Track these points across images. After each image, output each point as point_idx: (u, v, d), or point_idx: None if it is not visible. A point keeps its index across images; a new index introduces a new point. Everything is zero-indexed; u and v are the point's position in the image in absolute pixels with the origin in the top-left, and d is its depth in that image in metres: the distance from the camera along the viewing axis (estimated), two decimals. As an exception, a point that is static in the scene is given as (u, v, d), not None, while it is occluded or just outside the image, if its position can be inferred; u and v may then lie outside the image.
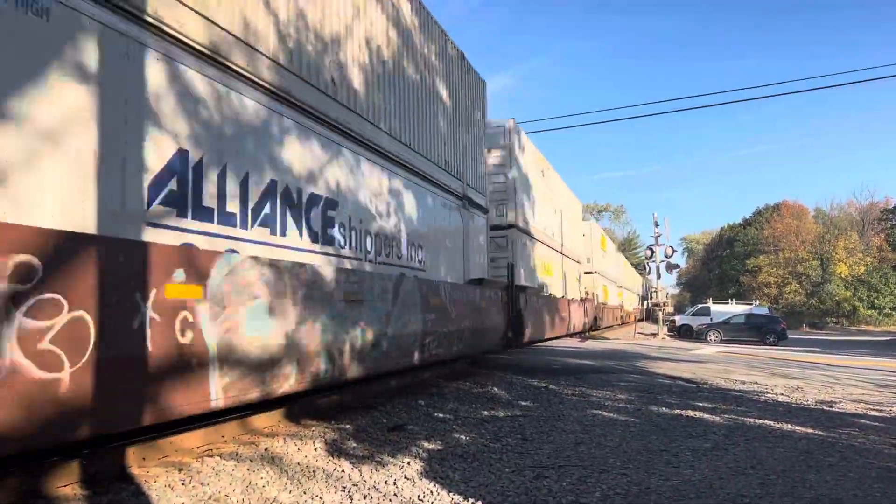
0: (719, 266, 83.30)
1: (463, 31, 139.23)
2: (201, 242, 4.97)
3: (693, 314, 37.71)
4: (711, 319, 33.62)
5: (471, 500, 4.42)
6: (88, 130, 4.09)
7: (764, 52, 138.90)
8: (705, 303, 40.89)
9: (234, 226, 5.40)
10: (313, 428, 6.58)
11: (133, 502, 4.12)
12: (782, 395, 10.04)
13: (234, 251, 5.29)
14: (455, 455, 5.71)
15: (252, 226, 5.63)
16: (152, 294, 4.40)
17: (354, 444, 6.00)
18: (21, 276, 3.56)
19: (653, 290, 37.76)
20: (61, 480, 4.28)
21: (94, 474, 4.48)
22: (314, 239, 6.59)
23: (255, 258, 5.51)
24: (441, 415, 7.70)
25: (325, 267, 6.63)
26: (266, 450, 5.57)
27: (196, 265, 4.80)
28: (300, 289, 6.07)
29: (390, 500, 4.41)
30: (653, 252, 34.45)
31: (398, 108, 8.81)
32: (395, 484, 4.79)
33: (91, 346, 3.93)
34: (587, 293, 29.07)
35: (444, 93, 10.95)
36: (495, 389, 9.95)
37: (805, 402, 9.24)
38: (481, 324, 11.82)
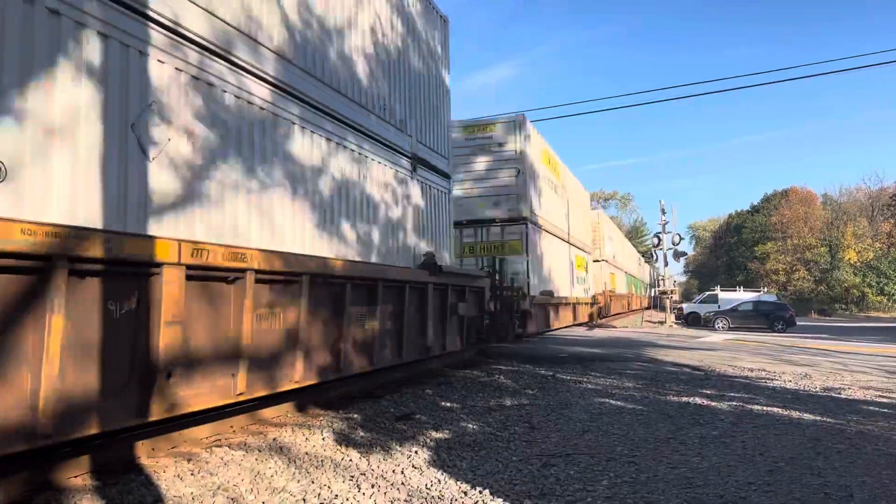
0: (727, 253, 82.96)
1: (467, 20, 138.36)
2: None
3: (700, 302, 37.61)
4: (719, 307, 33.53)
5: (478, 489, 4.43)
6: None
7: (775, 37, 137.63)
8: (713, 290, 40.77)
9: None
10: (321, 418, 6.61)
11: (142, 492, 4.15)
12: (790, 382, 10.01)
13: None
14: (462, 444, 5.72)
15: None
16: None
17: (362, 434, 6.02)
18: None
19: (660, 277, 37.66)
20: (72, 471, 4.31)
21: (104, 465, 4.51)
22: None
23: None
24: (448, 404, 7.71)
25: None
26: (274, 440, 5.60)
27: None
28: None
29: (398, 489, 4.43)
30: (660, 240, 34.34)
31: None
32: (402, 473, 4.81)
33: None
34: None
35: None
36: (502, 378, 9.97)
37: (813, 389, 9.22)
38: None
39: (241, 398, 5.45)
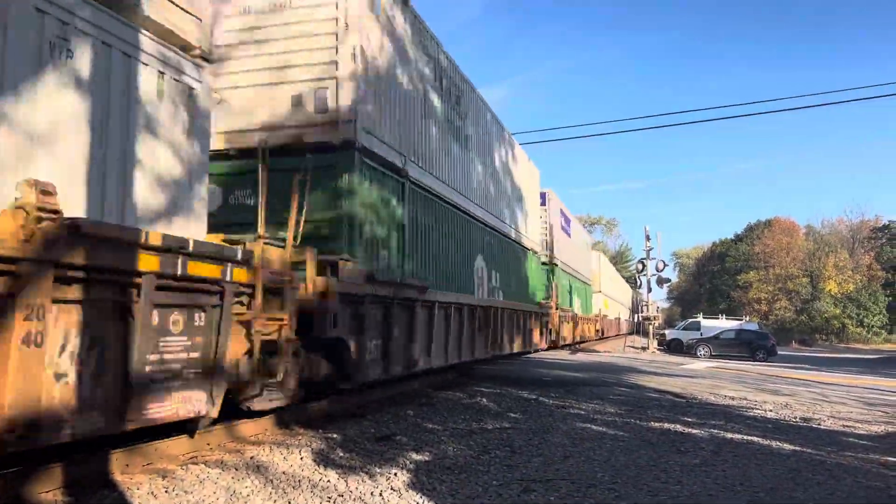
0: (710, 281, 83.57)
1: (461, 43, 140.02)
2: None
3: (683, 329, 37.80)
4: (701, 334, 33.71)
5: (457, 513, 4.38)
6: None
7: (761, 67, 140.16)
8: (695, 317, 41.03)
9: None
10: (300, 437, 6.53)
11: (115, 510, 4.07)
12: (771, 411, 10.05)
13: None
14: (443, 467, 5.67)
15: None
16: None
17: (342, 454, 5.95)
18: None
19: (643, 303, 37.84)
20: (43, 486, 4.21)
21: (77, 480, 4.42)
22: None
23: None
24: (430, 425, 7.66)
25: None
26: (252, 458, 5.52)
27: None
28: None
29: (376, 512, 4.37)
30: (644, 266, 34.59)
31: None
32: (381, 495, 4.75)
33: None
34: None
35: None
36: (485, 401, 9.92)
37: (793, 419, 9.25)
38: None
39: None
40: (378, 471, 5.41)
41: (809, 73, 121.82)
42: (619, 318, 52.44)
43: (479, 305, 12.09)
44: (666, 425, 8.27)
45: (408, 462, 5.78)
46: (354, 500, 4.61)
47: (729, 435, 7.72)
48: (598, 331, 35.32)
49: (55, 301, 3.67)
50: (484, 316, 12.30)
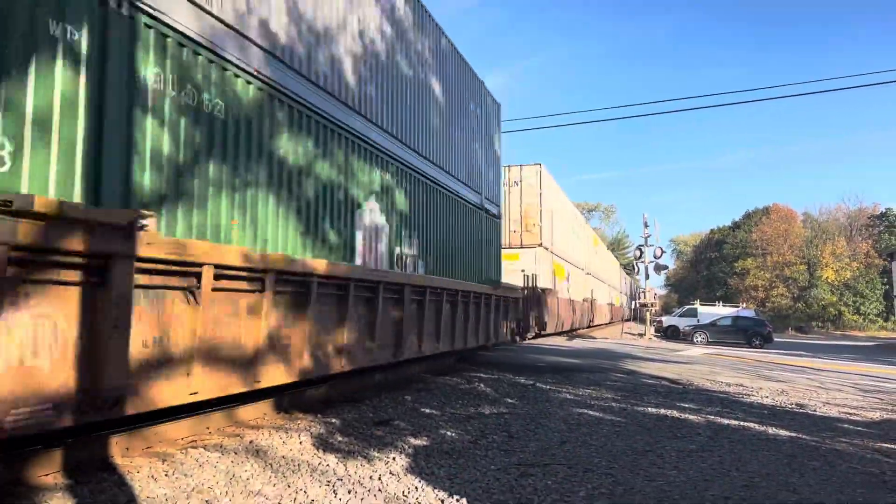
0: (707, 268, 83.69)
1: (457, 30, 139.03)
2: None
3: (680, 315, 37.92)
4: (698, 321, 33.84)
5: (455, 497, 4.41)
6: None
7: (758, 55, 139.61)
8: (693, 304, 41.12)
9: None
10: (299, 421, 6.56)
11: (115, 492, 4.09)
12: (767, 397, 10.10)
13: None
14: (441, 451, 5.70)
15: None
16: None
17: (340, 438, 5.98)
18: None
19: (641, 290, 37.89)
20: (43, 469, 4.24)
21: (77, 463, 4.44)
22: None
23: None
24: (428, 410, 7.69)
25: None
26: (251, 442, 5.55)
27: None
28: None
29: (375, 496, 4.40)
30: (642, 252, 34.63)
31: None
32: (380, 479, 4.78)
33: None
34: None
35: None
36: (482, 386, 9.96)
37: (789, 406, 9.30)
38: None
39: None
40: (377, 455, 5.44)
41: (808, 59, 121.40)
42: (594, 301, 37.05)
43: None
44: (662, 411, 8.31)
45: (406, 447, 5.81)
46: (353, 483, 4.64)
47: (725, 421, 7.76)
48: (514, 330, 15.13)
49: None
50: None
